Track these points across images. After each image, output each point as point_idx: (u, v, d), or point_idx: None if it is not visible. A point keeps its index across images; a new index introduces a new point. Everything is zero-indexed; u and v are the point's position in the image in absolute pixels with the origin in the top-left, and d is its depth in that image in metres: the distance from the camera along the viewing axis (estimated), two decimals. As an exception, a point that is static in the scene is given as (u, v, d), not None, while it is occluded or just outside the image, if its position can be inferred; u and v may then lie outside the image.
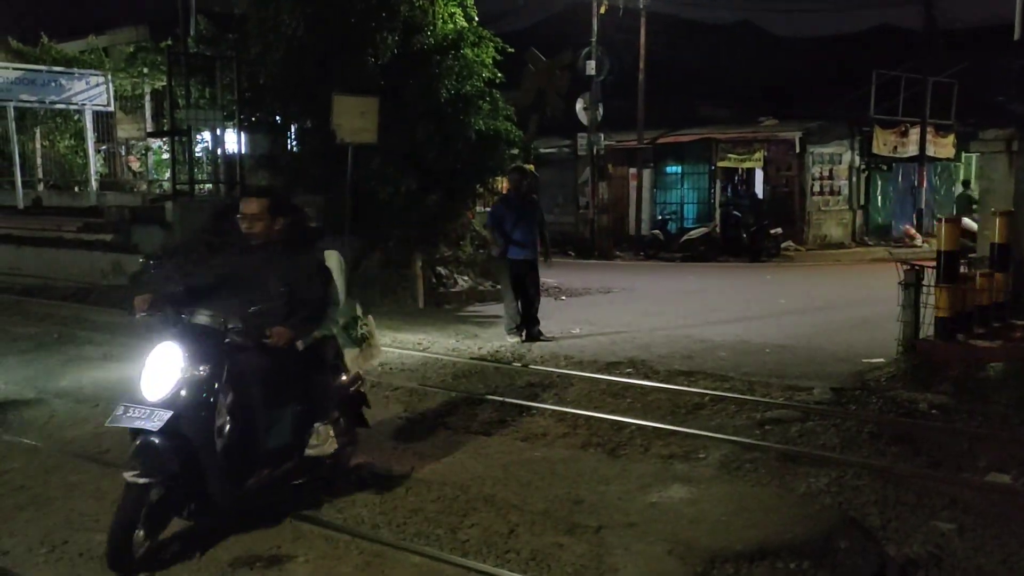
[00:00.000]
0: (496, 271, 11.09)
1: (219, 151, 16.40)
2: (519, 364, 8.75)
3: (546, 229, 10.40)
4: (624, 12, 22.19)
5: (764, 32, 40.25)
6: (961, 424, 6.52)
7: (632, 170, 23.87)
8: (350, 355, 5.06)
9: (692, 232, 21.66)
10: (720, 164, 23.21)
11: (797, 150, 22.34)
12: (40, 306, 12.84)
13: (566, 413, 6.90)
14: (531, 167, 13.33)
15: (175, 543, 4.45)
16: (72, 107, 20.13)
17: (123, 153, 23.10)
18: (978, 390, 7.23)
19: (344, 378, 5.15)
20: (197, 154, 16.72)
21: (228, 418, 4.40)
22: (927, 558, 4.34)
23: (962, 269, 8.59)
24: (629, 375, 8.15)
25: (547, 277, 15.21)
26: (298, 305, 4.65)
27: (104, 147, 22.46)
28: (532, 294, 10.12)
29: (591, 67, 21.64)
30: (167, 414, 4.17)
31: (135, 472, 4.15)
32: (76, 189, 21.38)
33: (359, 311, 5.16)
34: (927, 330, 8.28)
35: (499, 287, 11.42)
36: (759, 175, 23.36)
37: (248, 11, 14.11)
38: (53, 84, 19.32)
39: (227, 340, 4.45)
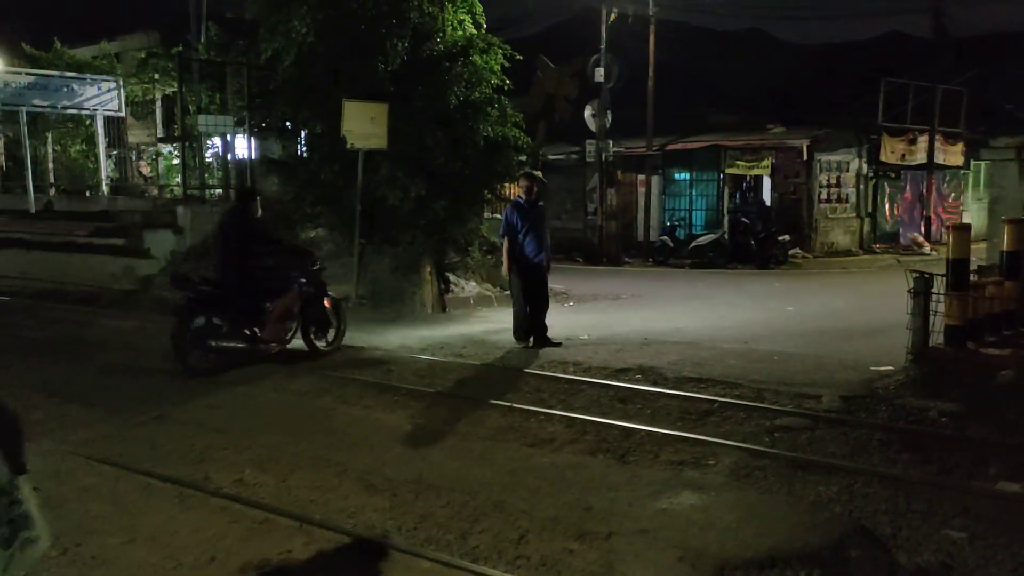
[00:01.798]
0: (505, 276, 11.11)
1: (229, 156, 16.46)
2: (527, 370, 8.75)
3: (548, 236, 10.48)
4: (633, 19, 22.22)
5: (772, 39, 40.22)
6: (972, 432, 6.50)
7: (641, 176, 23.89)
8: None
9: (700, 239, 21.66)
10: (728, 171, 23.21)
11: (805, 157, 22.33)
12: (51, 310, 12.91)
13: (574, 419, 6.90)
14: (539, 173, 13.41)
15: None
16: (84, 112, 20.21)
17: (134, 158, 23.20)
18: (989, 398, 7.20)
19: None
20: (207, 159, 16.79)
21: None
22: (938, 567, 4.33)
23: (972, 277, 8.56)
24: (638, 381, 8.15)
25: (555, 283, 15.26)
26: None
27: (115, 152, 22.55)
28: (541, 299, 10.13)
29: (600, 74, 21.67)
30: None
31: None
32: (87, 194, 21.45)
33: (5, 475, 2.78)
34: (937, 338, 8.25)
35: (507, 292, 11.45)
36: (767, 182, 23.36)
37: (259, 17, 14.18)
38: (65, 89, 19.40)
39: None
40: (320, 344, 9.18)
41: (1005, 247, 8.74)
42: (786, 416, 6.92)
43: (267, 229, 8.88)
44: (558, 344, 9.98)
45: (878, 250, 23.79)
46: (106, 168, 20.93)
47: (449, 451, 6.18)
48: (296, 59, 13.04)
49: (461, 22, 13.62)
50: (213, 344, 8.40)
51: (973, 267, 8.77)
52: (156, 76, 19.34)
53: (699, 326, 11.59)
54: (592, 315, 12.69)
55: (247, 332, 8.49)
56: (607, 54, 21.82)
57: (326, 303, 9.21)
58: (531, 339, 10.02)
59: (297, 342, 9.15)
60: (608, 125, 22.05)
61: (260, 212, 8.83)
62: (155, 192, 20.51)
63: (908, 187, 25.35)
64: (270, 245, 8.76)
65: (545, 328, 10.14)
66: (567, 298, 14.34)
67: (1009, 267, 8.67)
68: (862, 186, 23.90)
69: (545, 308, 10.24)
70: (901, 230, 25.14)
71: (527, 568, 4.28)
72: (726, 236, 21.42)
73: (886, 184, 24.69)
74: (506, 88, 13.61)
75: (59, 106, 19.70)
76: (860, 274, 19.57)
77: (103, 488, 5.38)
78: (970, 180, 27.53)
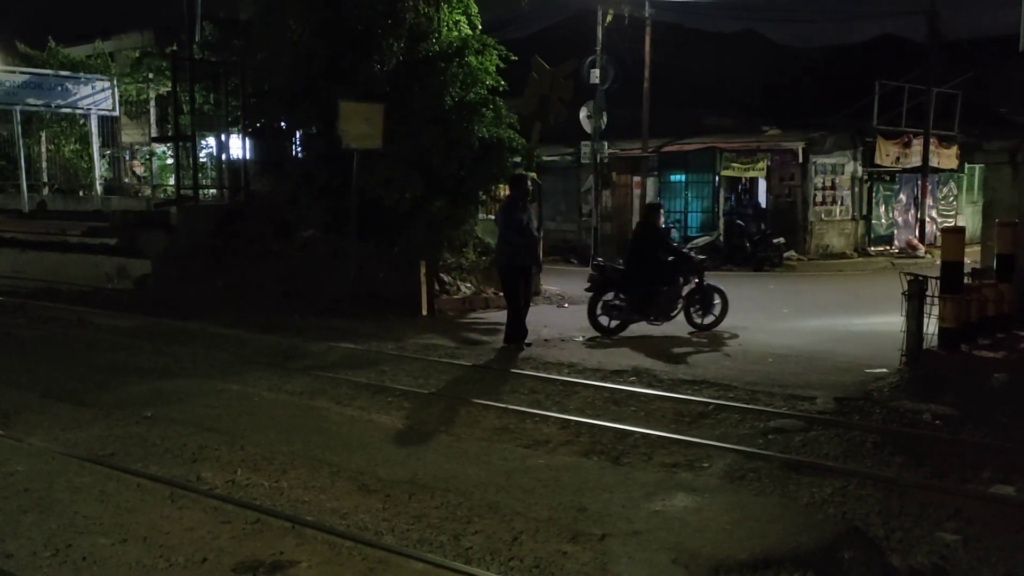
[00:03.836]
0: (498, 278, 11.16)
1: (223, 156, 16.43)
2: (522, 371, 8.75)
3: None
4: (629, 21, 22.22)
5: (768, 41, 40.23)
6: (965, 435, 6.51)
7: (636, 178, 23.86)
8: None
9: (696, 241, 21.57)
10: (724, 173, 23.22)
11: (800, 160, 22.36)
12: (45, 309, 12.87)
13: (569, 421, 6.90)
14: (533, 174, 13.41)
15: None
16: (78, 111, 20.19)
17: (127, 158, 23.16)
18: (982, 401, 7.21)
19: None
20: (201, 159, 16.76)
21: None
22: (931, 569, 4.34)
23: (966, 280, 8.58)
24: (632, 383, 8.15)
25: (550, 284, 15.26)
26: None
27: (109, 151, 22.51)
28: (526, 300, 10.24)
29: (595, 75, 21.65)
30: None
31: None
32: (81, 193, 21.43)
33: None
34: (931, 341, 8.27)
35: (500, 293, 11.51)
36: (762, 184, 23.39)
37: (254, 17, 14.15)
38: (59, 88, 19.38)
39: None
40: (699, 321, 11.21)
41: (998, 250, 8.78)
42: (780, 418, 6.93)
43: (664, 234, 11.48)
44: (529, 344, 10.05)
45: (872, 253, 23.84)
46: (100, 168, 20.90)
47: (444, 452, 6.17)
48: (292, 59, 13.02)
49: (456, 23, 13.61)
50: (617, 313, 10.92)
51: (967, 270, 8.80)
52: (150, 76, 19.33)
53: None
54: (586, 316, 12.66)
55: (642, 307, 10.90)
56: (602, 55, 21.80)
57: (708, 291, 11.24)
58: (523, 339, 10.06)
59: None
60: (603, 126, 22.02)
61: (663, 221, 11.68)
62: (148, 192, 20.49)
63: (902, 190, 25.41)
64: (665, 246, 11.21)
65: (525, 330, 10.20)
66: (563, 299, 14.33)
67: (1003, 270, 8.70)
68: (857, 189, 23.94)
69: (527, 309, 10.34)
70: (896, 233, 25.20)
71: (520, 570, 4.26)
72: (721, 238, 21.41)
73: (881, 187, 24.74)
74: (501, 89, 13.61)
75: (53, 105, 19.67)
76: (855, 277, 19.60)
77: (94, 488, 5.35)
78: (964, 183, 27.60)
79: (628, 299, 10.90)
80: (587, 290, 11.14)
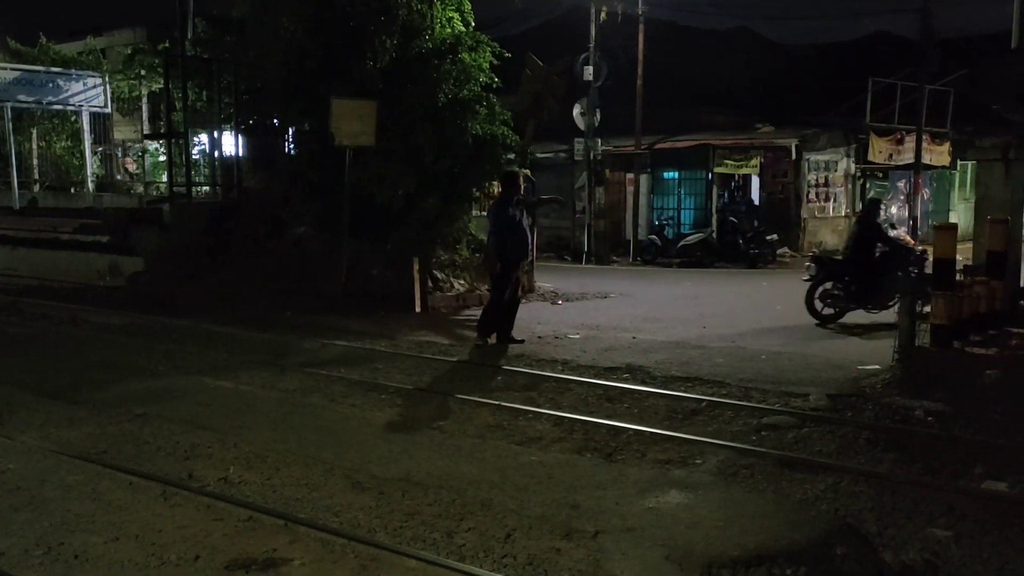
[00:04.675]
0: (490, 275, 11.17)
1: (216, 154, 16.38)
2: (516, 368, 8.74)
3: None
4: (622, 18, 22.21)
5: (761, 39, 40.29)
6: (957, 431, 6.53)
7: (629, 175, 23.88)
8: None
9: (689, 238, 21.69)
10: (717, 170, 23.24)
11: (793, 157, 22.39)
12: (37, 307, 12.82)
13: (563, 418, 6.90)
14: (527, 171, 13.41)
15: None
16: (69, 108, 20.10)
17: (120, 155, 23.07)
18: (974, 398, 7.24)
19: None
20: (194, 156, 16.71)
21: None
22: (923, 565, 4.35)
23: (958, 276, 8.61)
24: (626, 380, 8.16)
25: (544, 281, 15.27)
26: None
27: (101, 149, 22.42)
28: (516, 296, 10.25)
29: (589, 72, 21.66)
30: None
31: None
32: (72, 190, 21.34)
33: None
34: (923, 338, 8.29)
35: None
36: (755, 181, 23.41)
37: (247, 14, 14.10)
38: (51, 85, 19.29)
39: None
40: (918, 311, 11.40)
41: (990, 247, 8.80)
42: (773, 415, 6.94)
43: (882, 227, 12.11)
44: (521, 341, 10.03)
45: (865, 249, 23.88)
46: (91, 165, 20.82)
47: (437, 449, 6.17)
48: (284, 57, 12.98)
49: (450, 19, 13.57)
50: (834, 302, 11.56)
51: (959, 267, 8.82)
52: (142, 72, 19.24)
53: (687, 325, 11.60)
54: (580, 313, 12.69)
55: (859, 297, 11.46)
56: (596, 52, 21.80)
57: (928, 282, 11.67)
58: (497, 335, 10.06)
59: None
60: (597, 124, 22.03)
61: (881, 216, 12.20)
62: (141, 189, 20.40)
63: (895, 187, 25.46)
64: (884, 239, 11.87)
65: (512, 326, 10.22)
66: (556, 296, 14.34)
67: (994, 267, 8.72)
68: (850, 186, 23.99)
69: (516, 307, 10.34)
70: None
71: (514, 567, 4.26)
72: (714, 235, 21.45)
73: (874, 184, 24.79)
74: (495, 86, 13.58)
75: (44, 102, 19.58)
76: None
77: (87, 486, 5.33)
78: (956, 180, 27.67)
79: (846, 289, 11.50)
80: (805, 280, 11.88)
